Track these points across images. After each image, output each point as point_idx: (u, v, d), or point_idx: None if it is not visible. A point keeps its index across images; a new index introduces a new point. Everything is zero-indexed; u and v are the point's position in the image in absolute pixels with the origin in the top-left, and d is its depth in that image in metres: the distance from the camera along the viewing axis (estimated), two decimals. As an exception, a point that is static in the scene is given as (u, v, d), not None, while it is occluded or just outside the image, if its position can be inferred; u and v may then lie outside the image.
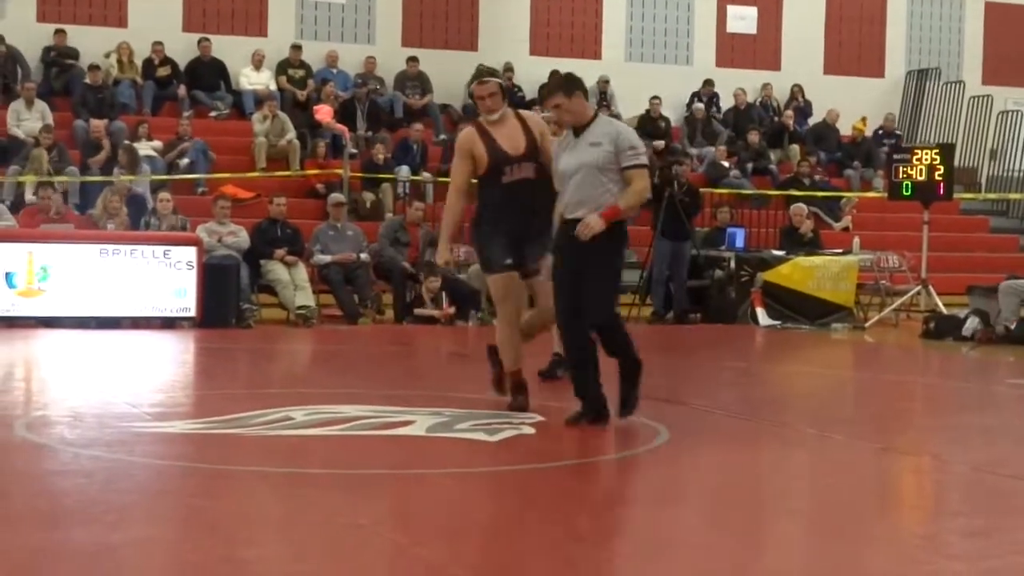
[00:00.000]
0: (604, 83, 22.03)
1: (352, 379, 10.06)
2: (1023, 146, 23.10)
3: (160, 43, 20.08)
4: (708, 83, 22.91)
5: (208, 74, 20.47)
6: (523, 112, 8.41)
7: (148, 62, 20.08)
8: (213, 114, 20.22)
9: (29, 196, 16.22)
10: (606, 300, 7.55)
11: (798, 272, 16.38)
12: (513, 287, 8.02)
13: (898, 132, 23.49)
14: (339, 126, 18.93)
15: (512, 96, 21.56)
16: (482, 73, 8.08)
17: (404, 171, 18.67)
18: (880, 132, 23.27)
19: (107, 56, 19.83)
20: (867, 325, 16.30)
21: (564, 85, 7.58)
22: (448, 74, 21.38)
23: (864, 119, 23.29)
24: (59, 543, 4.81)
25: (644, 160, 7.52)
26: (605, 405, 7.58)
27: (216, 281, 14.04)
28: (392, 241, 15.72)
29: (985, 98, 23.57)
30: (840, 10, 24.39)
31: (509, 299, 8.00)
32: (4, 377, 10.41)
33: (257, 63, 20.57)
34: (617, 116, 21.86)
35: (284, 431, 7.26)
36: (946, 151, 17.03)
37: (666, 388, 10.18)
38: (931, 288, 16.39)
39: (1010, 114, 23.59)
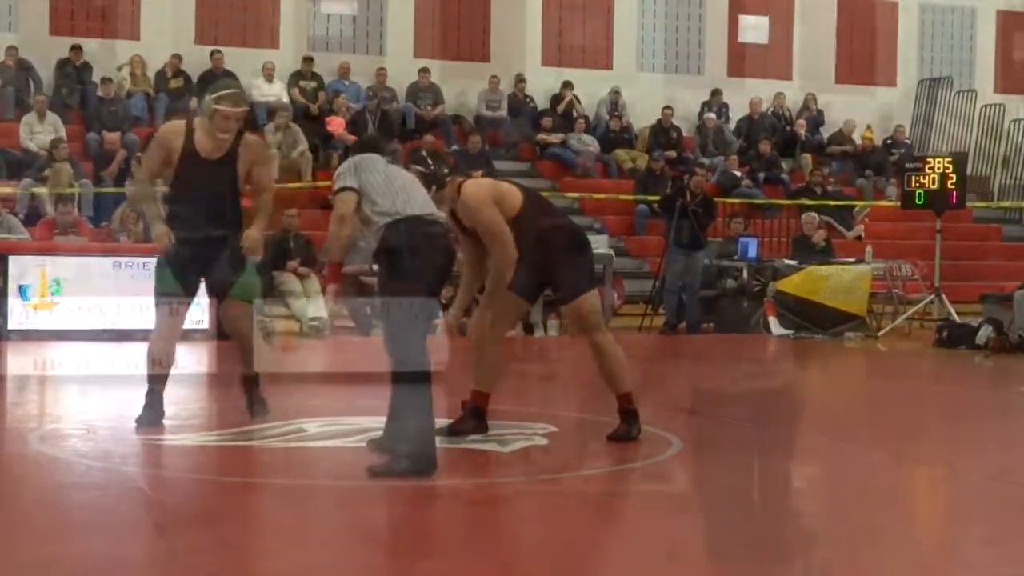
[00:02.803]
0: (615, 93, 22.01)
1: (364, 390, 10.03)
2: (1035, 154, 23.10)
3: (173, 55, 20.14)
4: (716, 93, 22.86)
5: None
6: None
7: (161, 74, 20.14)
8: (226, 126, 20.22)
9: (49, 209, 16.18)
10: None
11: (811, 281, 16.35)
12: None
13: (907, 142, 23.44)
14: (351, 137, 18.94)
15: (523, 106, 21.75)
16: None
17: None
18: (889, 142, 23.23)
19: (119, 69, 19.87)
20: (880, 334, 16.25)
21: None
22: (460, 85, 21.42)
23: (869, 127, 23.26)
24: (72, 555, 4.82)
25: None
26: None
27: (229, 293, 14.04)
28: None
29: (997, 107, 23.53)
30: (852, 19, 24.35)
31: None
32: (18, 390, 10.42)
33: (269, 75, 20.59)
34: (628, 126, 21.96)
35: (297, 443, 7.27)
36: (959, 160, 17.02)
37: (679, 398, 10.19)
38: (944, 297, 16.35)
39: (1022, 123, 23.56)
